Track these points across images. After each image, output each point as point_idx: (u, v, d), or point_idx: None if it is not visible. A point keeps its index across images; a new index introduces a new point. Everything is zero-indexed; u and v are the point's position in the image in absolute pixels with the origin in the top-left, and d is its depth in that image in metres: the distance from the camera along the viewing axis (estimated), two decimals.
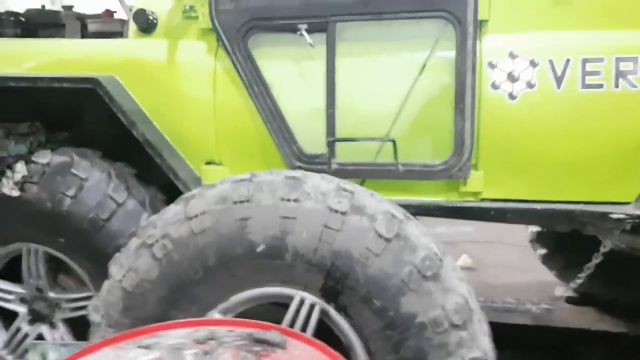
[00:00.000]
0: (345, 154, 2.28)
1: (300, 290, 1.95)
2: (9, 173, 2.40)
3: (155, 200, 2.56)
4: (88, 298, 2.56)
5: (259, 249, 1.90)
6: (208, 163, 2.44)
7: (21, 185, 2.39)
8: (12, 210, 2.42)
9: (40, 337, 2.66)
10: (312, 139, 2.30)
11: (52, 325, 2.66)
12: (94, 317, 1.99)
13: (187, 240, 1.93)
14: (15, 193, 2.38)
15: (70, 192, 2.37)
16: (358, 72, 2.24)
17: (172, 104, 2.43)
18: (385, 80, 2.24)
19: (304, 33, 2.18)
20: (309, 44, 2.18)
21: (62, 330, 2.65)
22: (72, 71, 2.44)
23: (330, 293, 1.92)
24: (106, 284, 2.02)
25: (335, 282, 1.88)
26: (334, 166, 2.24)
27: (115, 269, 1.98)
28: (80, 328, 2.70)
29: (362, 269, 1.84)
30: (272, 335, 1.49)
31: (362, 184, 2.25)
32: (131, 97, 2.40)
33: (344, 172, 2.22)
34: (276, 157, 2.35)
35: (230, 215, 1.92)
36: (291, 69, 2.28)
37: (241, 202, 1.93)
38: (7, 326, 2.74)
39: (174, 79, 2.41)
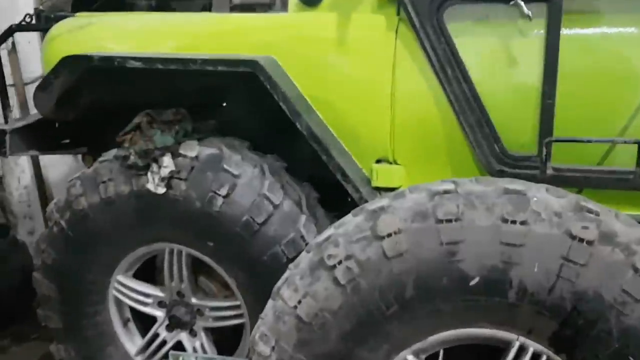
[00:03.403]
0: (557, 157, 1.82)
1: (522, 336, 1.55)
2: (154, 167, 2.12)
3: (311, 200, 2.22)
4: (235, 307, 2.29)
5: (472, 283, 1.50)
6: (379, 161, 2.06)
7: (167, 181, 2.11)
8: (157, 209, 2.15)
9: (179, 344, 2.42)
10: (518, 137, 1.86)
11: (192, 333, 2.41)
12: (262, 348, 1.67)
13: (378, 264, 1.56)
14: (161, 190, 2.11)
15: (223, 191, 2.07)
16: (588, 55, 1.76)
17: (338, 91, 2.05)
18: (622, 67, 1.75)
19: (520, 2, 1.72)
20: (526, 16, 1.73)
21: (203, 338, 2.39)
22: (222, 51, 2.11)
23: (563, 343, 1.50)
24: (272, 307, 1.70)
25: (575, 330, 1.46)
26: (549, 172, 1.79)
27: (287, 292, 1.65)
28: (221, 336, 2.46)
29: (616, 317, 1.41)
30: None
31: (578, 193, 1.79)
32: (293, 82, 2.04)
33: (561, 179, 1.77)
34: (467, 157, 1.93)
35: (434, 237, 1.53)
36: (497, 49, 1.83)
37: (448, 220, 1.53)
38: (142, 331, 2.53)
39: (343, 60, 2.02)
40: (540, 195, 1.54)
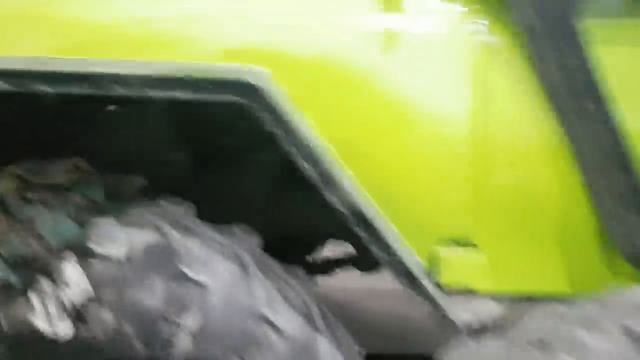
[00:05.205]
0: None
1: None
2: (44, 286, 1.10)
3: (324, 307, 1.37)
4: None
5: None
6: (444, 241, 1.28)
7: (77, 312, 1.11)
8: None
9: None
10: None
11: None
12: None
13: None
14: (65, 330, 1.10)
15: (188, 321, 1.13)
16: None
17: (372, 130, 1.23)
18: None
19: None
20: None
21: None
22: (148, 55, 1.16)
23: None
24: None
25: None
26: None
27: None
28: None
29: None
30: None
31: None
32: (305, 119, 1.17)
33: None
34: (590, 239, 1.25)
35: None
36: None
37: None
38: None
39: (380, 80, 1.21)
40: None
